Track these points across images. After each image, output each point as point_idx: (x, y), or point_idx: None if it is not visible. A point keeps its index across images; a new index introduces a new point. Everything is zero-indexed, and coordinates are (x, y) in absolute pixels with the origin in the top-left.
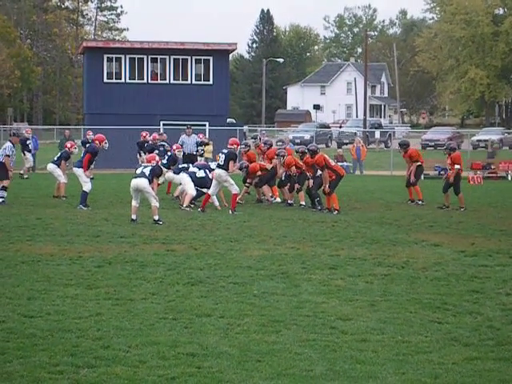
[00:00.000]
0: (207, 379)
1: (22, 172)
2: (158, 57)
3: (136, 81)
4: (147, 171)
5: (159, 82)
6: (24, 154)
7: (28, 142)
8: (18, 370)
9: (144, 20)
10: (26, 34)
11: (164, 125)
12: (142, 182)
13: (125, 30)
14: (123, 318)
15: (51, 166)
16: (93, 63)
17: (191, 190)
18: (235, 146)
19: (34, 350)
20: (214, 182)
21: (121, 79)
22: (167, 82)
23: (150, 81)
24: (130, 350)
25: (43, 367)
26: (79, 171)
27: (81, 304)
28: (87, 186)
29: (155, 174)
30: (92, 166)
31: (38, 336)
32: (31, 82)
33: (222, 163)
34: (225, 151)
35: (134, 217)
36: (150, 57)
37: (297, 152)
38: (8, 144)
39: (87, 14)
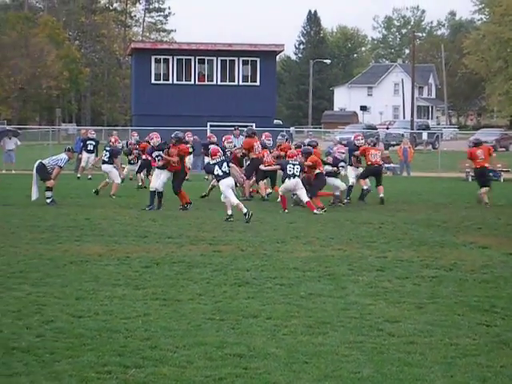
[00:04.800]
0: (254, 380)
1: (79, 175)
2: (206, 58)
3: (183, 82)
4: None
5: (206, 83)
6: (81, 154)
7: (88, 143)
8: (66, 370)
9: (191, 21)
10: (74, 36)
11: (211, 126)
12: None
13: (172, 31)
14: (171, 319)
15: (107, 167)
16: (141, 64)
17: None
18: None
19: (82, 349)
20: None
21: (168, 80)
22: (214, 83)
23: (197, 82)
24: (177, 351)
25: (91, 367)
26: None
27: (129, 304)
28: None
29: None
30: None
31: (86, 336)
32: (79, 83)
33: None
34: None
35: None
36: (197, 58)
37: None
38: (64, 157)
39: (135, 16)
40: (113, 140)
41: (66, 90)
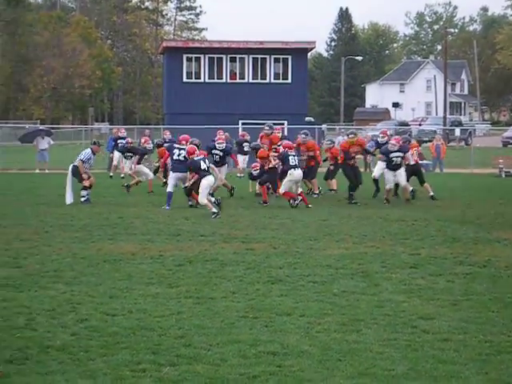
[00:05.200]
0: (288, 378)
1: (111, 174)
2: (237, 56)
3: (215, 80)
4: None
5: (238, 81)
6: (112, 153)
7: (119, 142)
8: (101, 368)
9: (222, 19)
10: (106, 35)
11: (243, 124)
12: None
13: (204, 29)
14: (204, 317)
15: (137, 166)
16: (172, 63)
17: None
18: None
19: (116, 348)
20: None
21: (200, 79)
22: (246, 81)
23: (228, 80)
24: (211, 349)
25: (126, 365)
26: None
27: (162, 302)
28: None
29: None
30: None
31: (120, 334)
32: (112, 82)
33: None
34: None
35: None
36: (228, 56)
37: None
38: (87, 151)
39: (167, 14)
40: (143, 141)
41: (98, 89)
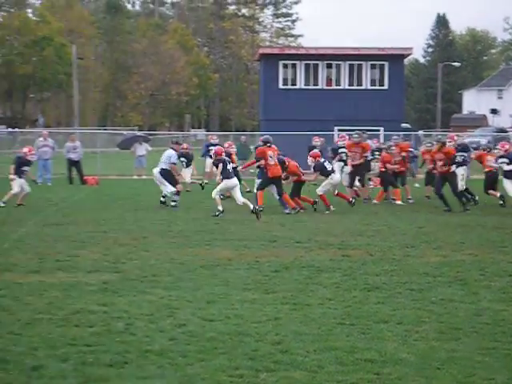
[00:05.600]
0: None
1: (206, 180)
2: (333, 62)
3: (311, 86)
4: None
5: (334, 87)
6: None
7: (210, 148)
8: (199, 373)
9: (318, 26)
10: (203, 42)
11: (338, 130)
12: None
13: (300, 36)
14: (301, 323)
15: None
16: (268, 70)
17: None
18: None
19: (214, 353)
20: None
21: (296, 85)
22: (342, 87)
23: (324, 86)
24: (308, 355)
25: (223, 370)
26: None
27: (259, 308)
28: None
29: None
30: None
31: (217, 339)
32: (208, 88)
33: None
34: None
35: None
36: (325, 63)
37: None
38: (172, 153)
39: (263, 21)
40: (226, 146)
41: (195, 96)
